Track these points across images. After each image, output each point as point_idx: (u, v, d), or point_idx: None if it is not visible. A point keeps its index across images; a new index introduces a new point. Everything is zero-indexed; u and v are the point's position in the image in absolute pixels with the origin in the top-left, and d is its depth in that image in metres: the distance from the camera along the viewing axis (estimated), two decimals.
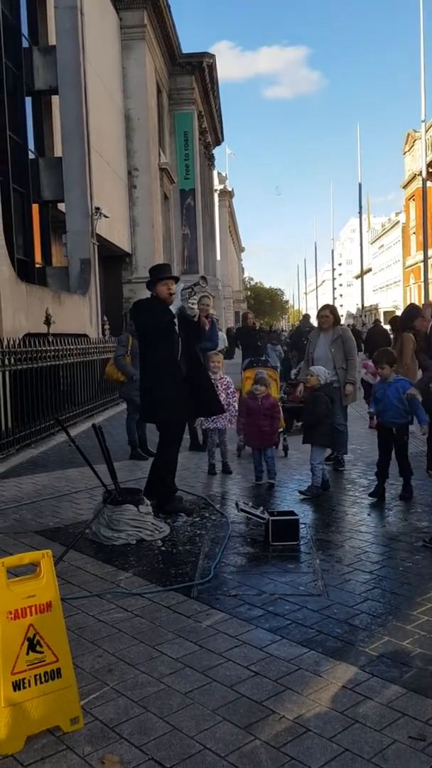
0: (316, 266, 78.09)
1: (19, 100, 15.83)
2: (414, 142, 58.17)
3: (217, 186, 57.54)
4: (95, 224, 17.88)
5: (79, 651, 3.26)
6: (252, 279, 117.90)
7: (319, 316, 7.68)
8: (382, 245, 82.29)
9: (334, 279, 72.38)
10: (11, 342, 8.92)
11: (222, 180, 62.43)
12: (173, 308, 5.64)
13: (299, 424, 6.59)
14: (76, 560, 4.59)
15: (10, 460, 8.29)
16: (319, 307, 7.81)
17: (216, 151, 50.63)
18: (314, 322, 13.00)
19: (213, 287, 38.49)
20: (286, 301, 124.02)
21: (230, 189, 67.99)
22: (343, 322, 9.34)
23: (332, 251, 64.39)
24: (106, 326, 18.35)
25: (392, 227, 75.64)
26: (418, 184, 49.06)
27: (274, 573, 4.28)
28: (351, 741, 2.52)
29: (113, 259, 24.55)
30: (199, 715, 2.72)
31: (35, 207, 17.00)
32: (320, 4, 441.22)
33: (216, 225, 52.44)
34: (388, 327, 15.47)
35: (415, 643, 3.28)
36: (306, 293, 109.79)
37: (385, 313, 62.66)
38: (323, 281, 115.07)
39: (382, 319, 35.79)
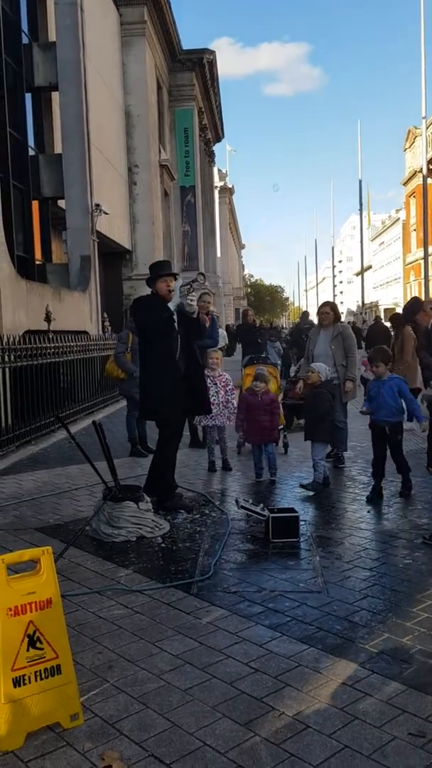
0: (316, 263, 78.13)
1: (19, 97, 15.81)
2: (415, 138, 58.08)
3: (218, 183, 57.51)
4: (95, 221, 17.86)
5: (79, 647, 3.26)
6: (252, 276, 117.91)
7: (319, 313, 7.68)
8: (383, 242, 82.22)
9: (334, 276, 72.37)
10: (11, 339, 8.92)
11: (222, 177, 62.40)
12: (172, 305, 5.64)
13: (300, 421, 6.57)
14: (76, 557, 4.59)
15: (10, 457, 8.29)
16: (320, 304, 7.80)
17: (216, 148, 50.60)
18: (314, 319, 13.00)
19: (213, 284, 38.50)
20: (287, 298, 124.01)
21: (230, 186, 67.96)
22: (343, 319, 9.32)
23: (332, 248, 64.39)
24: (107, 323, 18.35)
25: (392, 224, 75.58)
26: (418, 181, 49.00)
27: (274, 570, 4.29)
28: (351, 737, 2.53)
29: (113, 256, 24.53)
30: (199, 712, 2.72)
31: (35, 204, 16.98)
32: (321, 0, 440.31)
33: (216, 222, 52.40)
34: (388, 324, 15.45)
35: (414, 639, 3.28)
36: (306, 290, 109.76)
37: (386, 310, 62.65)
38: (323, 278, 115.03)
39: (382, 316, 35.79)
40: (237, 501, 5.12)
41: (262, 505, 5.04)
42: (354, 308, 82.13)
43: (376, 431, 6.03)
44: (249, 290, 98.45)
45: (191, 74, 34.47)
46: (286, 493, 6.35)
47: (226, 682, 2.94)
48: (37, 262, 16.85)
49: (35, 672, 2.59)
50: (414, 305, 6.77)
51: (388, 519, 5.42)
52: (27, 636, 2.58)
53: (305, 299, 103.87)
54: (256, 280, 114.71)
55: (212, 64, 37.96)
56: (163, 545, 4.85)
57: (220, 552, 4.60)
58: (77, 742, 2.55)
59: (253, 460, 6.96)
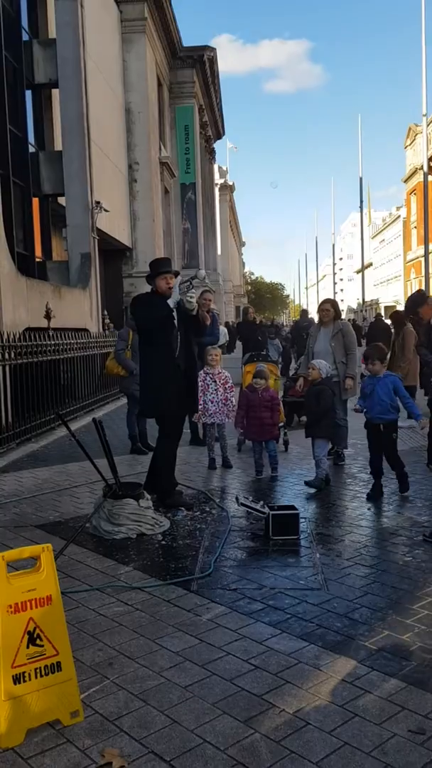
0: (317, 261, 78.01)
1: (19, 94, 15.76)
2: (415, 136, 58.01)
3: (218, 180, 57.42)
4: (95, 218, 17.83)
5: (80, 644, 3.26)
6: (253, 273, 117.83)
7: (319, 310, 7.67)
8: (383, 240, 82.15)
9: (334, 274, 72.25)
10: (11, 336, 8.92)
11: (223, 174, 62.30)
12: (171, 302, 5.64)
13: (302, 418, 6.57)
14: (76, 554, 4.59)
15: (10, 455, 8.29)
16: (320, 301, 7.80)
17: (217, 145, 50.54)
18: (315, 316, 12.99)
19: (213, 282, 38.49)
20: (287, 296, 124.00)
21: (231, 183, 67.85)
22: (343, 316, 9.32)
23: (333, 246, 64.29)
24: (107, 320, 18.33)
25: (393, 222, 75.50)
26: (419, 178, 48.97)
27: (274, 567, 4.29)
28: (351, 734, 2.53)
29: (114, 253, 24.50)
30: (198, 709, 2.72)
31: (35, 201, 16.95)
32: None
33: (217, 219, 52.35)
34: (389, 321, 15.45)
35: (415, 636, 3.28)
36: (307, 288, 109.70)
37: (386, 307, 62.62)
38: (324, 276, 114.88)
39: (383, 314, 35.76)
40: (237, 498, 5.12)
41: (262, 502, 5.05)
42: (354, 306, 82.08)
43: (371, 429, 5.98)
44: (249, 288, 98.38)
45: (192, 71, 34.39)
46: (286, 490, 6.35)
47: (226, 679, 2.94)
48: (38, 260, 16.82)
49: (35, 669, 2.59)
50: (419, 298, 6.72)
51: (388, 516, 5.42)
52: (27, 633, 2.58)
53: (306, 297, 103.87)
54: (257, 277, 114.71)
55: (213, 61, 37.88)
56: (163, 542, 4.85)
57: (221, 549, 4.60)
58: (77, 739, 2.55)
59: (253, 458, 6.96)
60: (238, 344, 21.53)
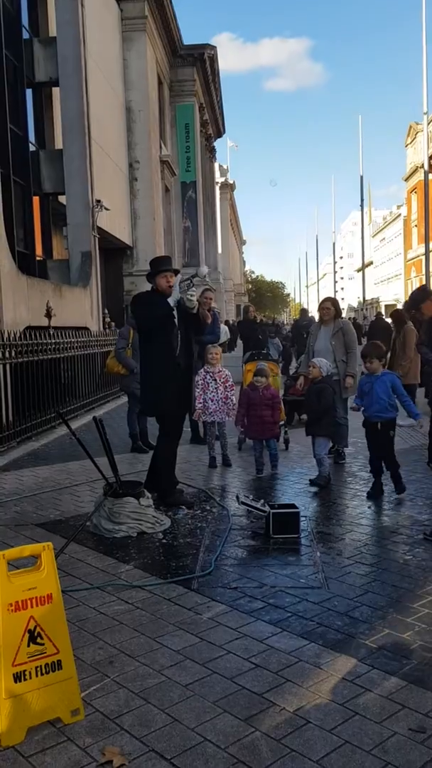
0: (317, 259, 77.95)
1: (20, 92, 15.75)
2: (416, 134, 57.94)
3: (219, 178, 57.40)
4: (96, 217, 17.83)
5: (80, 643, 3.27)
6: (253, 272, 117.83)
7: (320, 309, 7.67)
8: (384, 238, 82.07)
9: (335, 272, 72.13)
10: (12, 335, 8.92)
11: (223, 172, 62.27)
12: (171, 300, 5.63)
13: (302, 417, 6.58)
14: (76, 552, 4.59)
15: (11, 453, 8.29)
16: (321, 300, 7.80)
17: (217, 144, 50.52)
18: (315, 315, 12.98)
19: (214, 280, 38.47)
20: (287, 295, 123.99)
21: (231, 181, 67.83)
22: (344, 315, 9.32)
23: (333, 244, 64.25)
24: (107, 318, 18.33)
25: (393, 220, 75.43)
26: (419, 176, 48.94)
27: (275, 565, 4.29)
28: (351, 733, 2.53)
29: (114, 252, 24.51)
30: (199, 707, 2.73)
31: (36, 199, 16.94)
32: None
33: (217, 218, 52.35)
34: (389, 320, 15.44)
35: (415, 635, 3.28)
36: (307, 286, 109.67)
37: (387, 306, 62.56)
38: (324, 274, 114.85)
39: (383, 312, 35.74)
40: (238, 497, 5.12)
41: (262, 501, 5.04)
42: (355, 304, 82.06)
43: (369, 428, 5.93)
44: (250, 286, 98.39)
45: (192, 69, 34.39)
46: (286, 489, 6.35)
47: (227, 677, 2.95)
48: (38, 258, 16.82)
49: (36, 667, 2.59)
50: (421, 294, 6.66)
51: (388, 515, 5.42)
52: (28, 631, 2.59)
53: (306, 295, 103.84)
54: (257, 276, 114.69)
55: (213, 59, 37.86)
56: (163, 541, 4.86)
57: (221, 548, 4.60)
58: (78, 737, 2.56)
59: (253, 456, 6.96)
60: (239, 343, 21.53)
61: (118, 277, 25.14)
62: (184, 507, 5.63)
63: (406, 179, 64.63)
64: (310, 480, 6.40)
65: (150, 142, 25.84)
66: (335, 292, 64.68)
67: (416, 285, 52.31)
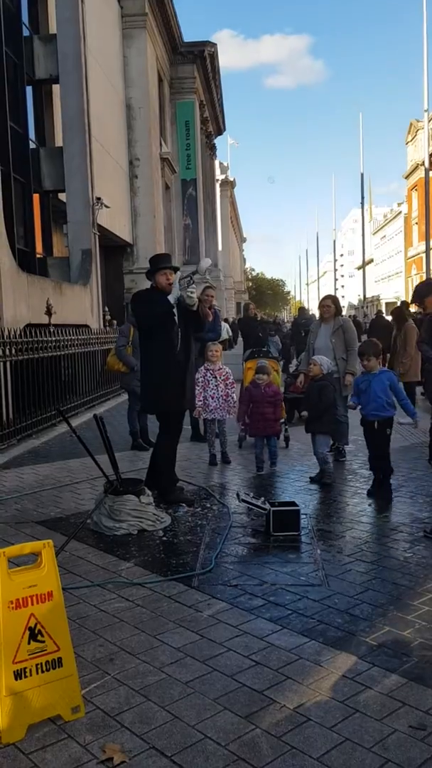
0: (318, 257, 77.99)
1: (20, 90, 15.72)
2: (417, 131, 57.85)
3: (219, 176, 57.33)
4: (96, 214, 17.81)
5: (81, 640, 3.27)
6: (254, 270, 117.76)
7: (320, 306, 7.67)
8: (384, 236, 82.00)
9: (335, 270, 72.10)
10: (12, 332, 8.91)
11: (224, 170, 62.20)
12: (171, 298, 5.62)
13: (302, 414, 6.58)
14: (77, 550, 4.60)
15: (11, 451, 8.30)
16: (321, 297, 7.79)
17: (217, 141, 50.46)
18: (316, 312, 12.98)
19: (215, 278, 38.45)
20: (288, 292, 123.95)
21: (232, 179, 67.74)
22: (344, 313, 9.32)
23: (334, 242, 64.21)
24: (108, 316, 18.32)
25: (394, 218, 75.35)
26: (420, 174, 48.84)
27: (275, 563, 4.29)
28: (351, 730, 2.53)
29: (114, 250, 24.49)
30: (199, 704, 2.73)
31: (36, 197, 16.92)
32: None
33: (217, 215, 52.30)
34: (389, 318, 15.44)
35: (415, 632, 3.28)
36: (308, 284, 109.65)
37: (387, 304, 62.50)
38: (325, 272, 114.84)
39: (384, 310, 35.71)
40: (238, 494, 5.12)
41: (263, 498, 5.04)
42: (355, 302, 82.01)
43: (366, 426, 5.86)
44: (250, 284, 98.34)
45: (192, 67, 34.34)
46: (287, 486, 6.35)
47: (227, 674, 2.95)
48: (38, 256, 16.80)
49: (36, 665, 2.59)
50: (425, 288, 6.62)
51: (389, 512, 5.41)
52: (28, 629, 2.59)
53: (307, 293, 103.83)
54: (258, 273, 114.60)
55: (213, 56, 37.81)
56: (164, 538, 4.86)
57: (221, 545, 4.60)
58: (78, 735, 2.56)
59: (254, 453, 6.97)
60: (239, 340, 21.52)
61: (118, 275, 25.13)
62: (184, 504, 5.63)
63: (407, 177, 64.55)
64: (310, 477, 6.41)
65: (150, 140, 25.82)
66: (336, 289, 64.65)
67: (417, 283, 52.26)
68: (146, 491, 5.23)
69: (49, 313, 11.94)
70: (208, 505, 5.67)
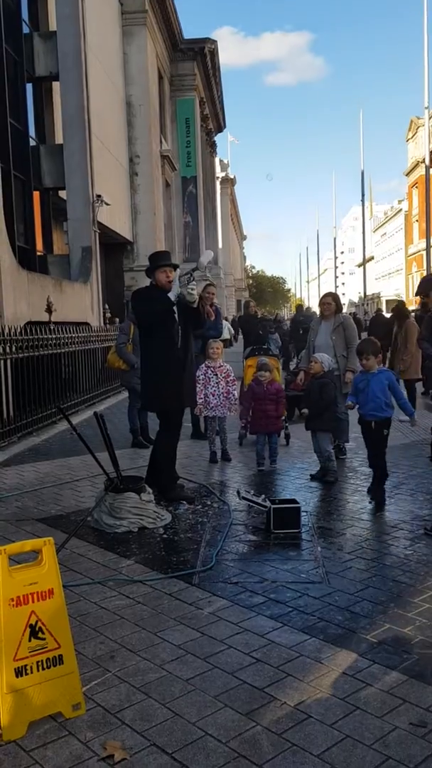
0: (318, 254, 77.93)
1: (20, 87, 15.71)
2: (417, 129, 57.77)
3: (219, 173, 57.26)
4: (96, 212, 17.80)
5: (81, 638, 3.27)
6: (254, 267, 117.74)
7: (321, 304, 7.66)
8: (385, 233, 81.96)
9: (336, 267, 72.01)
10: (13, 330, 8.91)
11: (224, 167, 62.11)
12: (172, 295, 5.62)
13: (304, 411, 6.57)
14: (78, 548, 4.60)
15: (11, 448, 8.30)
16: (321, 295, 7.78)
17: (218, 138, 50.38)
18: (316, 310, 12.97)
19: (215, 275, 38.43)
20: (288, 290, 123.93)
21: (232, 176, 67.66)
22: (345, 310, 9.31)
23: (334, 239, 64.14)
24: (108, 314, 18.32)
25: (395, 215, 75.30)
26: (421, 171, 48.77)
27: (276, 560, 4.29)
28: (352, 727, 2.53)
29: (114, 247, 24.48)
30: (200, 702, 2.73)
31: (36, 194, 16.92)
32: None
33: (218, 213, 52.24)
34: (388, 315, 15.43)
35: (416, 630, 3.28)
36: (308, 281, 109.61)
37: (388, 301, 62.47)
38: (325, 269, 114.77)
39: (384, 308, 35.69)
40: (238, 492, 5.12)
41: (263, 496, 5.04)
42: (356, 299, 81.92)
43: (364, 426, 5.70)
44: (251, 281, 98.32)
45: (192, 64, 34.28)
46: (287, 484, 6.35)
47: (228, 672, 2.95)
48: (39, 253, 16.81)
49: (37, 662, 2.60)
50: (431, 281, 6.56)
51: (389, 510, 5.41)
52: (29, 626, 2.59)
53: (307, 290, 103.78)
54: (258, 271, 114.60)
55: (214, 53, 37.73)
56: (164, 536, 4.86)
57: (222, 543, 4.61)
58: (79, 732, 2.56)
59: (255, 451, 6.97)
60: (239, 338, 21.50)
61: (118, 273, 25.12)
62: (184, 502, 5.63)
63: (407, 174, 64.52)
64: (310, 475, 6.41)
65: (150, 137, 25.78)
66: (336, 287, 64.58)
67: (417, 280, 52.22)
68: (147, 489, 5.23)
69: (49, 310, 11.93)
70: (209, 503, 5.67)
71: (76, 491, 6.24)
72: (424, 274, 29.21)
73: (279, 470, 6.85)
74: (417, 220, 58.47)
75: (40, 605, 2.61)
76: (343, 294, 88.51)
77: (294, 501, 5.00)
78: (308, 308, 24.40)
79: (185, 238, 34.76)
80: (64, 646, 2.67)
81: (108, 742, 2.48)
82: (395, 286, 71.81)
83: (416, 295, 9.44)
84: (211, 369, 7.29)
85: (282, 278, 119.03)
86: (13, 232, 13.46)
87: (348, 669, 2.94)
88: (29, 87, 16.94)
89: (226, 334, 10.57)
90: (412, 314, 12.34)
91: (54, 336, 10.36)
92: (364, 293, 50.13)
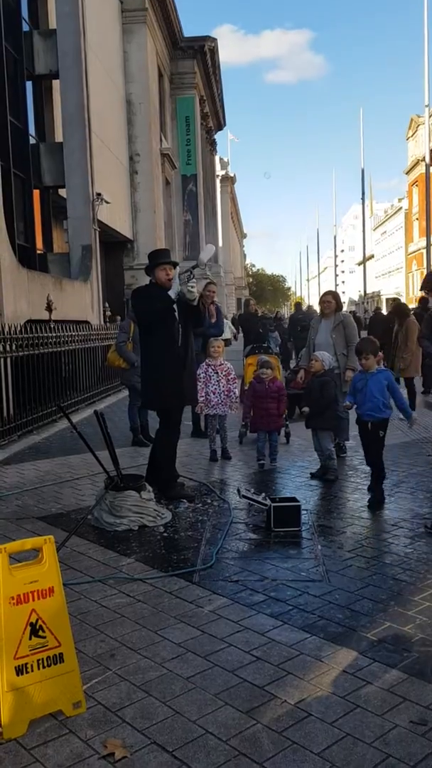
0: (318, 253, 77.90)
1: (20, 85, 15.68)
2: (417, 127, 57.74)
3: (219, 171, 57.21)
4: (96, 210, 17.78)
5: (82, 636, 3.27)
6: (254, 265, 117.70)
7: (321, 302, 7.66)
8: (385, 231, 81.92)
9: (336, 266, 71.99)
10: (13, 328, 8.91)
11: (224, 165, 62.06)
12: (172, 293, 5.61)
13: (304, 409, 6.57)
14: (78, 546, 4.60)
15: (12, 447, 8.30)
16: (322, 293, 7.78)
17: (218, 136, 50.35)
18: (317, 308, 12.96)
19: (215, 274, 38.41)
20: (288, 288, 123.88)
21: (232, 174, 67.61)
22: (345, 309, 9.31)
23: (335, 238, 64.11)
24: (108, 312, 18.31)
25: (395, 213, 75.27)
26: (421, 169, 48.75)
27: (276, 559, 4.29)
28: (352, 725, 2.53)
29: (115, 246, 24.46)
30: (200, 700, 2.73)
31: (36, 192, 16.89)
32: None
33: (218, 211, 52.21)
34: (385, 312, 15.43)
35: (416, 628, 3.29)
36: (308, 280, 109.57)
37: (388, 299, 62.46)
38: (325, 268, 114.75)
39: (384, 307, 35.68)
40: (239, 490, 5.12)
41: (263, 494, 5.04)
42: (356, 298, 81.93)
43: (361, 426, 5.61)
44: (251, 280, 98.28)
45: (192, 62, 34.24)
46: (287, 482, 6.36)
47: (228, 670, 2.95)
48: (39, 252, 16.79)
49: (38, 660, 2.60)
50: None
51: (389, 508, 5.41)
52: (29, 624, 2.59)
53: (307, 289, 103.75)
54: (258, 269, 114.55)
55: (214, 51, 37.69)
56: (165, 534, 4.86)
57: (222, 541, 4.61)
58: (80, 730, 2.56)
59: (256, 449, 6.98)
60: (239, 336, 21.47)
61: (118, 271, 25.10)
62: (185, 500, 5.63)
63: (408, 172, 64.48)
64: (311, 473, 6.41)
65: (150, 135, 25.76)
66: (336, 285, 64.55)
67: (417, 278, 52.23)
68: (147, 487, 5.23)
69: (49, 309, 11.93)
70: (209, 501, 5.67)
71: (77, 489, 6.24)
72: (424, 272, 29.20)
73: (279, 468, 6.85)
74: (417, 219, 58.44)
75: (40, 603, 2.62)
76: (343, 292, 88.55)
77: (294, 499, 5.01)
78: (310, 306, 24.33)
79: (185, 237, 34.74)
80: (65, 644, 2.67)
81: (108, 740, 2.48)
82: (395, 284, 71.81)
83: (421, 289, 9.44)
84: (212, 367, 7.29)
85: (282, 276, 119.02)
86: (13, 230, 13.44)
87: (348, 667, 2.94)
88: (29, 85, 16.91)
89: (227, 333, 10.57)
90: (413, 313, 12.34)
91: (54, 334, 10.36)
92: (364, 291, 50.11)
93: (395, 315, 11.12)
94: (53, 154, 17.26)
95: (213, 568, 4.14)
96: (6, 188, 13.09)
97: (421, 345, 9.99)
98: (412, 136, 61.98)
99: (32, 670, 2.58)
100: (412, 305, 21.40)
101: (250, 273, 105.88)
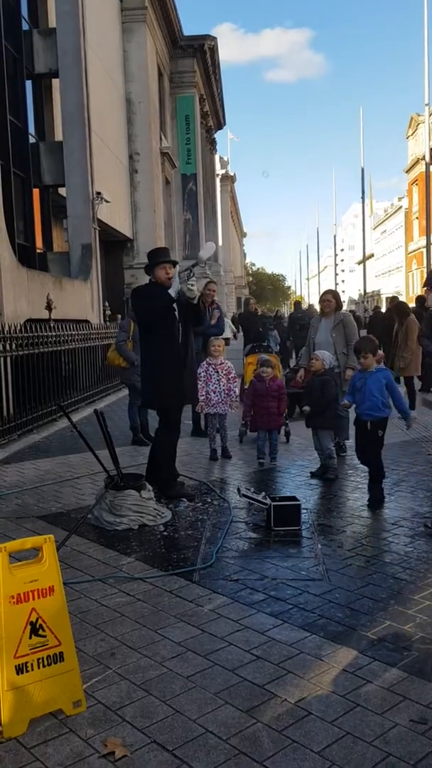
0: (318, 252, 77.80)
1: (19, 84, 15.68)
2: (417, 126, 57.69)
3: (219, 170, 57.20)
4: (96, 209, 17.78)
5: (82, 635, 3.27)
6: (254, 264, 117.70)
7: (321, 301, 7.66)
8: (385, 230, 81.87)
9: (336, 265, 71.94)
10: (13, 327, 8.90)
11: (224, 164, 62.05)
12: (172, 292, 5.61)
13: (305, 409, 6.58)
14: (78, 545, 4.60)
15: (12, 446, 8.29)
16: (322, 292, 7.79)
17: (217, 135, 50.33)
18: (317, 307, 12.96)
19: (215, 273, 38.40)
20: (288, 287, 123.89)
21: (232, 174, 67.60)
22: (345, 308, 9.32)
23: (334, 237, 64.03)
24: (109, 311, 18.31)
25: (395, 212, 75.23)
26: (421, 168, 48.72)
27: (276, 558, 4.29)
28: (352, 724, 2.53)
29: (114, 245, 24.46)
30: (201, 699, 2.73)
31: (36, 191, 16.89)
32: None
33: (218, 210, 52.20)
34: (384, 310, 15.42)
35: (416, 627, 3.29)
36: (308, 279, 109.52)
37: (387, 298, 62.43)
38: (325, 267, 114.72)
39: (384, 306, 35.65)
40: (239, 489, 5.12)
41: (263, 493, 5.04)
42: (356, 297, 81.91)
43: (359, 425, 5.56)
44: (251, 279, 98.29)
45: (192, 61, 34.23)
46: (287, 481, 6.36)
47: (228, 669, 2.95)
48: (38, 251, 16.78)
49: (38, 659, 2.60)
50: None
51: (389, 507, 5.41)
52: (29, 623, 2.59)
53: (307, 288, 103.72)
54: (258, 268, 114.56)
55: (214, 50, 37.67)
56: (165, 533, 4.86)
57: (222, 540, 4.61)
58: (80, 729, 2.56)
59: (256, 448, 6.98)
60: (239, 335, 21.45)
61: (118, 270, 25.10)
62: (185, 499, 5.63)
63: (408, 171, 64.43)
64: (311, 472, 6.41)
65: (150, 134, 25.75)
66: (336, 284, 64.48)
67: (417, 277, 52.23)
68: (147, 486, 5.23)
69: (49, 308, 11.92)
70: (209, 500, 5.67)
71: (77, 489, 6.24)
72: (424, 271, 29.21)
73: (279, 467, 6.85)
74: (417, 218, 58.41)
75: (40, 602, 2.62)
76: (343, 291, 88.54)
77: (294, 498, 5.01)
78: (310, 305, 24.31)
79: (185, 236, 34.74)
80: (65, 643, 2.67)
81: (108, 739, 2.48)
82: (395, 283, 71.76)
83: (424, 286, 9.46)
84: (212, 366, 7.29)
85: (282, 275, 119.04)
86: (13, 229, 13.43)
87: (348, 666, 2.94)
88: (29, 84, 16.90)
89: (227, 332, 10.58)
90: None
91: (54, 333, 10.36)
92: (364, 291, 50.03)
93: (395, 314, 11.13)
94: (53, 154, 17.26)
95: (213, 567, 4.14)
96: (6, 187, 13.09)
97: (421, 344, 10.01)
98: (412, 134, 61.94)
99: (32, 669, 2.58)
100: (412, 304, 21.38)
101: (250, 272, 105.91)
